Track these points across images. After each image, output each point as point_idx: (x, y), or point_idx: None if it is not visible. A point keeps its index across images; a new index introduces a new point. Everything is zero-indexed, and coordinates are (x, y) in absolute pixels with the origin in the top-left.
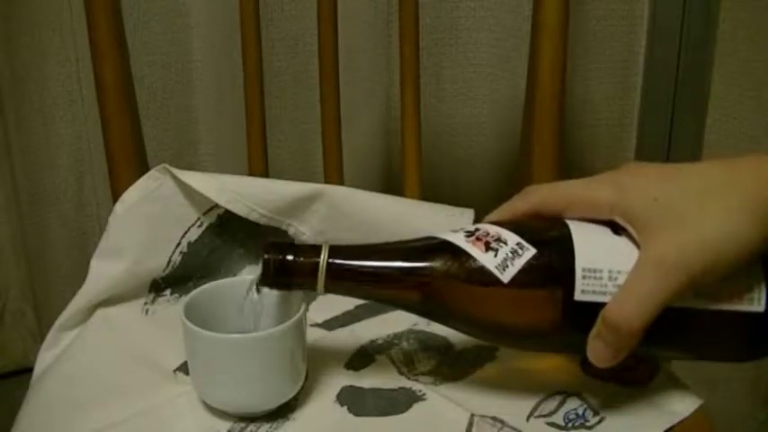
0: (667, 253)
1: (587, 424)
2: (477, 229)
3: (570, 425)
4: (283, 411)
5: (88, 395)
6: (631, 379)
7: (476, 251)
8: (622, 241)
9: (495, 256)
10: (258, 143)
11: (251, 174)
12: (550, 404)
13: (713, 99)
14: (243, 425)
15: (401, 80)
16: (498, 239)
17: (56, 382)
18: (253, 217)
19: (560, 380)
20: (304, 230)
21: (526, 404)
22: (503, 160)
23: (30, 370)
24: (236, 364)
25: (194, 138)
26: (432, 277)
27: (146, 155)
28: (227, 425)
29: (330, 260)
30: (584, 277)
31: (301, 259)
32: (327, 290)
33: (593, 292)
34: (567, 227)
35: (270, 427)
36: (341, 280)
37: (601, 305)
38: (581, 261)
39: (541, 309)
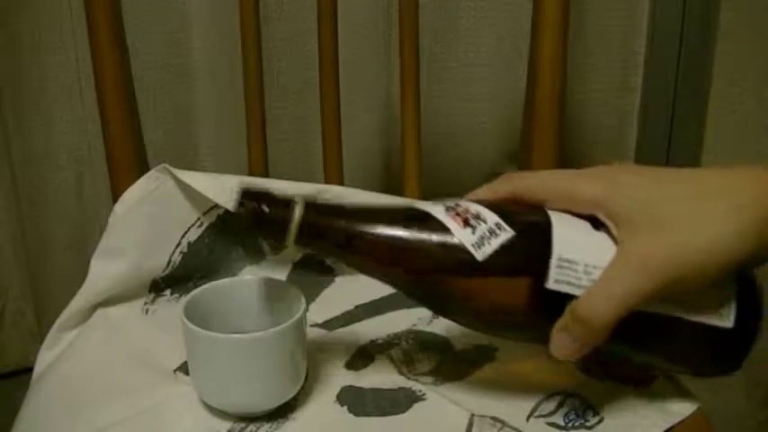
0: (653, 254)
1: (587, 424)
2: (457, 205)
3: (570, 425)
4: (283, 411)
5: (88, 395)
6: (631, 379)
7: (454, 226)
8: (601, 237)
9: (473, 233)
10: (258, 143)
11: (251, 174)
12: (550, 404)
13: (713, 99)
14: (243, 425)
15: (401, 80)
16: (477, 217)
17: (56, 382)
18: None
19: (560, 380)
20: None
21: (526, 404)
22: (503, 160)
23: (30, 370)
24: (236, 364)
25: (194, 138)
26: (404, 248)
27: (146, 155)
28: (227, 425)
29: (304, 217)
30: (558, 267)
31: (275, 211)
32: (298, 245)
33: (567, 283)
34: (547, 215)
35: (270, 427)
36: (312, 238)
37: (571, 297)
38: (557, 250)
39: (511, 292)
